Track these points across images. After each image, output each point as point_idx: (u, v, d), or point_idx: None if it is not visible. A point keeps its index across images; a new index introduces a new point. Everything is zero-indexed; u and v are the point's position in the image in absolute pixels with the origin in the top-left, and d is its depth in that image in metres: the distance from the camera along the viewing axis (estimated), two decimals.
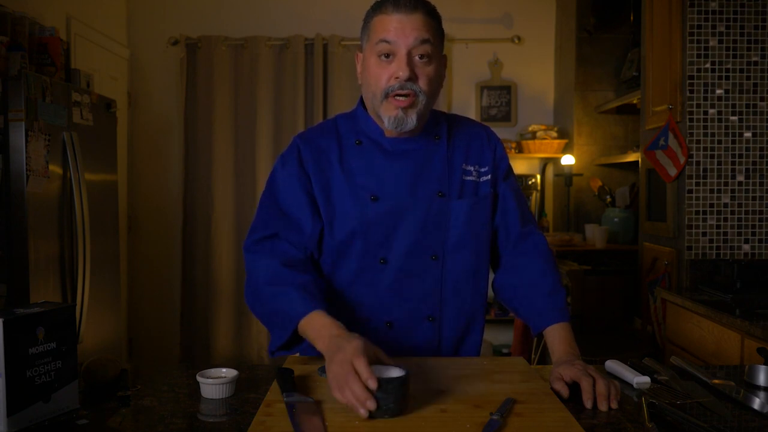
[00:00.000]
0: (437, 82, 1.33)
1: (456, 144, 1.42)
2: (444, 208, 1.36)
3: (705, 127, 2.56)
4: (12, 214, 2.36)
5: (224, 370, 1.14)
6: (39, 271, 2.42)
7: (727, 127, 2.56)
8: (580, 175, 3.88)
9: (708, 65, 2.56)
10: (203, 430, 0.98)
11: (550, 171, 4.23)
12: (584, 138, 3.93)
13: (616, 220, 3.63)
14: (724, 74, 2.55)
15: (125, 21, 4.14)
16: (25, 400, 0.96)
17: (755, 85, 2.55)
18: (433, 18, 1.31)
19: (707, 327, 2.21)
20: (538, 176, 4.14)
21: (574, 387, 1.10)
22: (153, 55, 4.16)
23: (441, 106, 4.04)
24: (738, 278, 2.35)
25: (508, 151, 3.92)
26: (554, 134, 3.98)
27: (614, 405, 1.06)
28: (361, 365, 0.98)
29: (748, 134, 2.56)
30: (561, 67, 4.15)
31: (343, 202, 1.35)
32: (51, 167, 2.49)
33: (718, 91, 2.55)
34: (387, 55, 1.28)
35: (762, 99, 2.54)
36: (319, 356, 1.16)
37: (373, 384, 0.96)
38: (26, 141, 2.33)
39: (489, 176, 1.42)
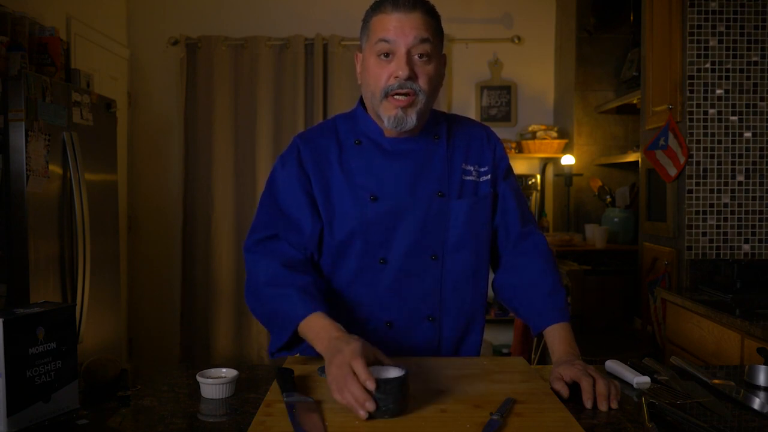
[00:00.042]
0: (437, 81, 1.33)
1: (456, 144, 1.42)
2: (444, 208, 1.36)
3: (705, 127, 2.56)
4: (12, 214, 2.36)
5: (224, 370, 1.14)
6: (39, 271, 2.42)
7: (727, 127, 2.56)
8: (580, 175, 3.88)
9: (708, 65, 2.56)
10: (203, 430, 0.98)
11: (550, 171, 4.23)
12: (584, 138, 3.93)
13: (616, 220, 3.63)
14: (724, 74, 2.55)
15: (125, 21, 4.14)
16: (25, 400, 0.96)
17: (755, 85, 2.55)
18: (432, 17, 1.31)
19: (707, 327, 2.20)
20: (538, 176, 4.14)
21: (574, 387, 1.10)
22: (153, 55, 4.16)
23: (441, 106, 4.04)
24: (738, 278, 2.35)
25: (508, 151, 3.92)
26: (554, 134, 3.98)
27: (614, 405, 1.05)
28: (360, 367, 0.98)
29: (748, 134, 2.56)
30: (561, 67, 4.15)
31: (343, 202, 1.35)
32: (51, 167, 2.49)
33: (718, 91, 2.55)
34: (386, 55, 1.28)
35: (762, 99, 2.54)
36: (319, 356, 1.16)
37: (371, 385, 0.96)
38: (26, 141, 2.33)
39: (489, 176, 1.42)
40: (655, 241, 2.84)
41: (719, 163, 2.56)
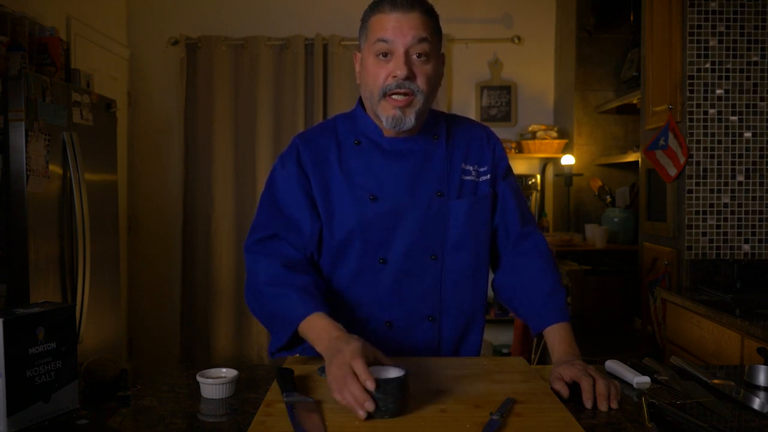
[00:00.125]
0: (435, 80, 1.33)
1: (455, 144, 1.42)
2: (443, 207, 1.36)
3: (705, 127, 2.56)
4: (12, 214, 2.36)
5: (224, 370, 1.14)
6: (39, 271, 2.42)
7: (727, 127, 2.56)
8: (580, 175, 3.88)
9: (708, 65, 2.55)
10: (203, 430, 0.98)
11: (550, 171, 4.23)
12: (584, 138, 3.93)
13: (616, 220, 3.63)
14: (724, 74, 2.55)
15: (125, 21, 4.14)
16: (25, 400, 0.96)
17: (755, 85, 2.55)
18: (430, 16, 1.31)
19: (707, 327, 2.20)
20: (538, 176, 4.14)
21: (574, 387, 1.10)
22: (153, 55, 4.16)
23: (441, 106, 4.04)
24: (738, 278, 2.35)
25: (508, 151, 3.92)
26: (554, 134, 3.98)
27: (614, 405, 1.05)
28: (359, 367, 0.98)
29: (748, 134, 2.56)
30: (561, 67, 4.15)
31: (342, 202, 1.35)
32: (51, 167, 2.49)
33: (718, 91, 2.55)
34: (385, 54, 1.28)
35: (762, 99, 2.54)
36: (319, 356, 1.16)
37: (371, 385, 0.96)
38: (26, 141, 2.33)
39: (488, 176, 1.42)
40: (655, 241, 2.84)
41: (719, 163, 2.56)
